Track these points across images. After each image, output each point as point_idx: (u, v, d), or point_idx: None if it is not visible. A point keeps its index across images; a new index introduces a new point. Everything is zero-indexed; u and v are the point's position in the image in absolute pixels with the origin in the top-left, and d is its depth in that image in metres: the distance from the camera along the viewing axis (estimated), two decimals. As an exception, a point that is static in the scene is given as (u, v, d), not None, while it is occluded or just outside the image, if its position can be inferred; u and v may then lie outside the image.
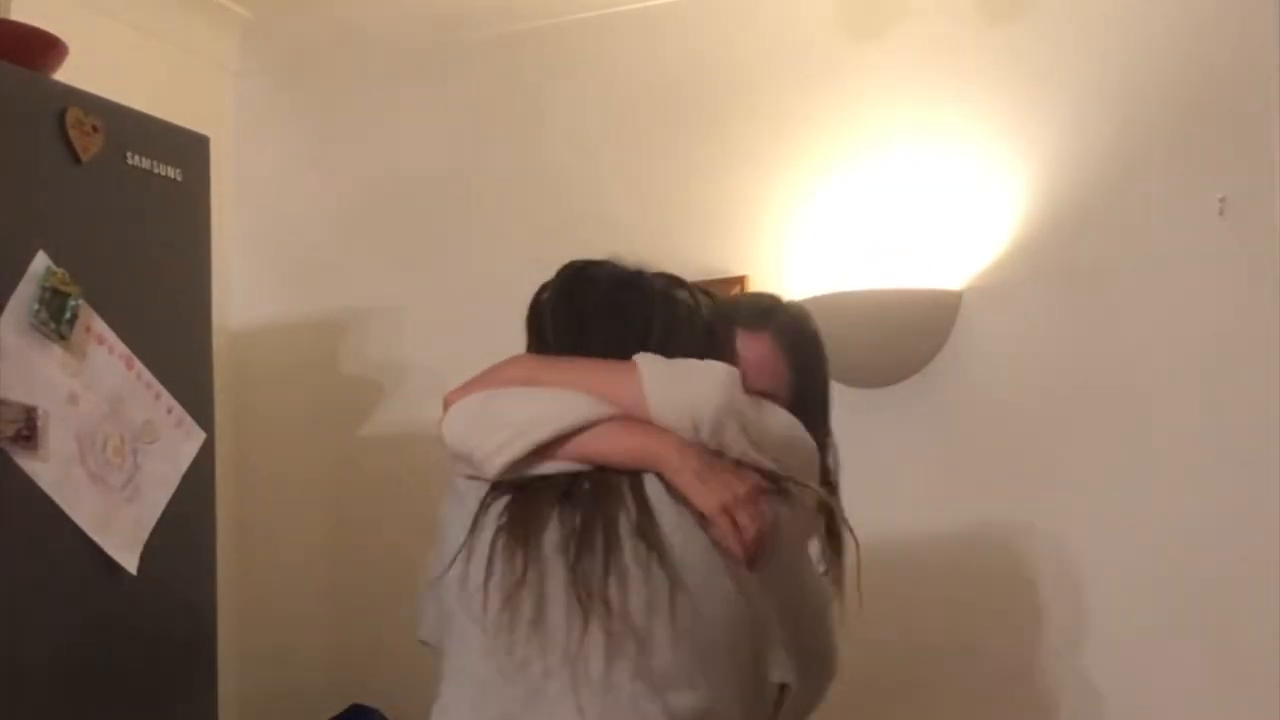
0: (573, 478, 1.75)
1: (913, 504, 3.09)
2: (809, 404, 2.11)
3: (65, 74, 2.77)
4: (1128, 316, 2.96)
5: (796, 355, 2.19)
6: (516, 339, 3.57)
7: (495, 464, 1.77)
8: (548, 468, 1.76)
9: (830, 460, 2.18)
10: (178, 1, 3.60)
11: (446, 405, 1.91)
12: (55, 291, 2.57)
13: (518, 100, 3.58)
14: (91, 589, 2.61)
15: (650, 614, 1.65)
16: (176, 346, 2.84)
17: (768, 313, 2.23)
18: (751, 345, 2.12)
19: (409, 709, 3.45)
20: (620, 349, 1.80)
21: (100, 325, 2.66)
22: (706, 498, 1.71)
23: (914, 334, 3.08)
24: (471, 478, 1.82)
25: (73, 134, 2.64)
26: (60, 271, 2.58)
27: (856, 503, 3.08)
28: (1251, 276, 2.89)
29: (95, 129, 2.69)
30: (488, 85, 3.62)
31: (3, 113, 2.53)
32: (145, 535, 2.71)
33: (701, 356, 1.80)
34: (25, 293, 2.52)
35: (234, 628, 3.51)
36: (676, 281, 1.88)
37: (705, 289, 1.94)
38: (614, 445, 1.76)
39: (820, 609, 1.88)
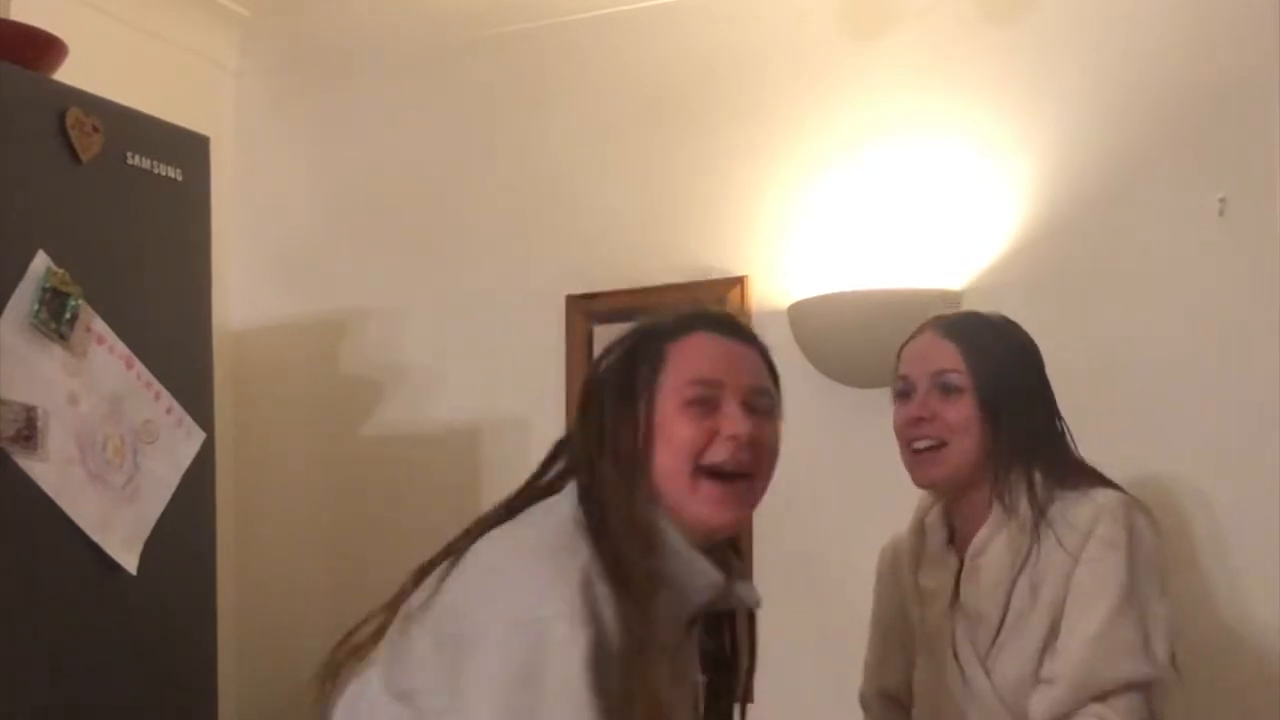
0: None
1: (913, 504, 3.08)
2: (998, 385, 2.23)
3: (65, 74, 2.77)
4: (1127, 316, 2.96)
5: (963, 336, 2.27)
6: (515, 339, 3.60)
7: None
8: None
9: None
10: (178, 1, 3.60)
11: None
12: (55, 291, 2.57)
13: (517, 100, 3.58)
14: (91, 589, 2.61)
15: None
16: (176, 346, 2.84)
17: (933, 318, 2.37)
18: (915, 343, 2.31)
19: (409, 709, 3.45)
20: None
21: (100, 325, 2.66)
22: None
23: (914, 334, 3.09)
24: None
25: (73, 134, 2.65)
26: (60, 271, 2.58)
27: (858, 503, 3.10)
28: (1251, 276, 2.89)
29: (95, 129, 2.69)
30: (487, 85, 3.62)
31: (3, 113, 2.54)
32: (145, 535, 2.72)
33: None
34: (25, 293, 2.52)
35: (234, 627, 3.52)
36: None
37: None
38: None
39: None
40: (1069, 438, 2.28)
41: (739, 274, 3.30)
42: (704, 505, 1.70)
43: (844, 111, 3.24)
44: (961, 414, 2.22)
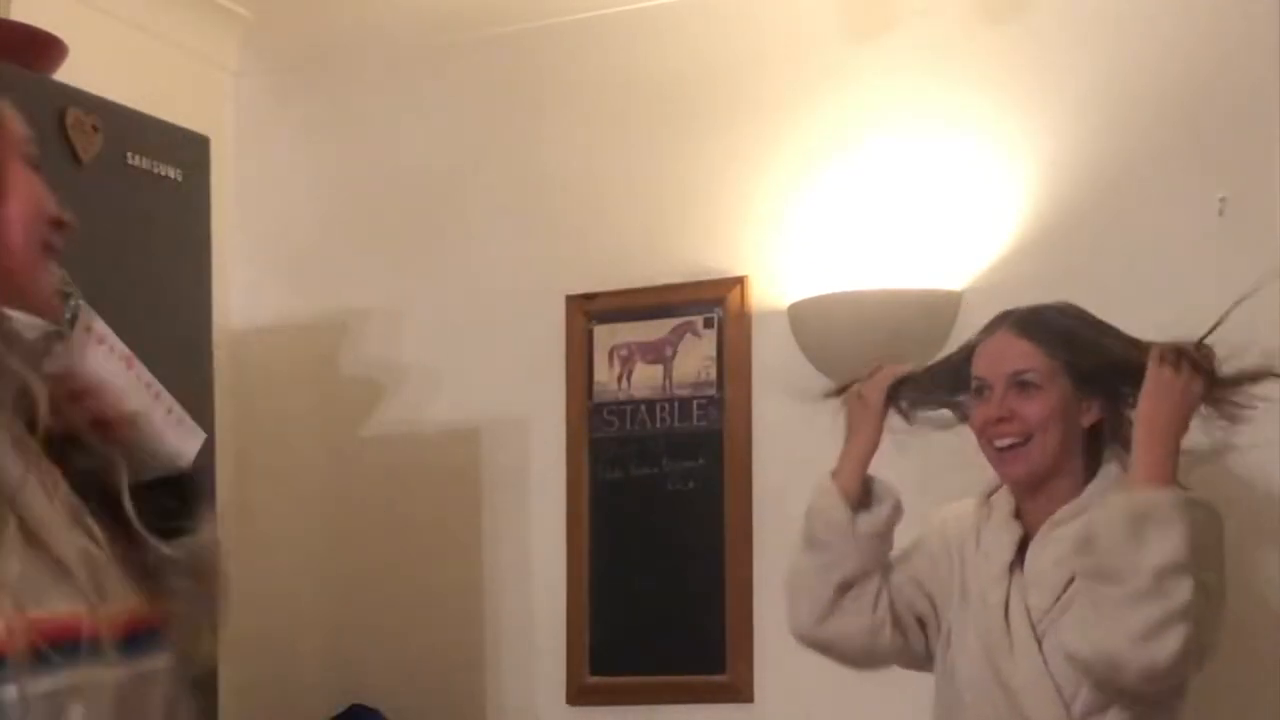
0: None
1: (913, 504, 3.08)
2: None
3: (65, 74, 2.77)
4: (1127, 317, 2.95)
5: (1038, 333, 2.34)
6: (515, 339, 3.59)
7: None
8: None
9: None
10: (178, 1, 3.60)
11: None
12: (55, 292, 2.57)
13: (517, 100, 3.58)
14: (91, 589, 2.60)
15: None
16: (176, 346, 2.83)
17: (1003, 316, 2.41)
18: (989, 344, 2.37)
19: (409, 709, 3.45)
20: None
21: (100, 325, 2.65)
22: None
23: (914, 334, 3.08)
24: None
25: (73, 134, 2.64)
26: (60, 272, 2.58)
27: (856, 503, 3.09)
28: (1251, 276, 2.88)
29: (95, 129, 2.69)
30: (487, 85, 3.62)
31: (3, 113, 2.53)
32: (145, 535, 2.71)
33: None
34: (25, 293, 2.52)
35: (233, 627, 3.51)
36: None
37: None
38: None
39: None
40: None
41: (738, 274, 3.30)
42: None
43: (844, 111, 3.24)
44: (1042, 411, 2.28)
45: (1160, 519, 2.11)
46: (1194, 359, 2.25)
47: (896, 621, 2.43)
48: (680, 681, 3.27)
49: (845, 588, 2.42)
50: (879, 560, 2.44)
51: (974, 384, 2.36)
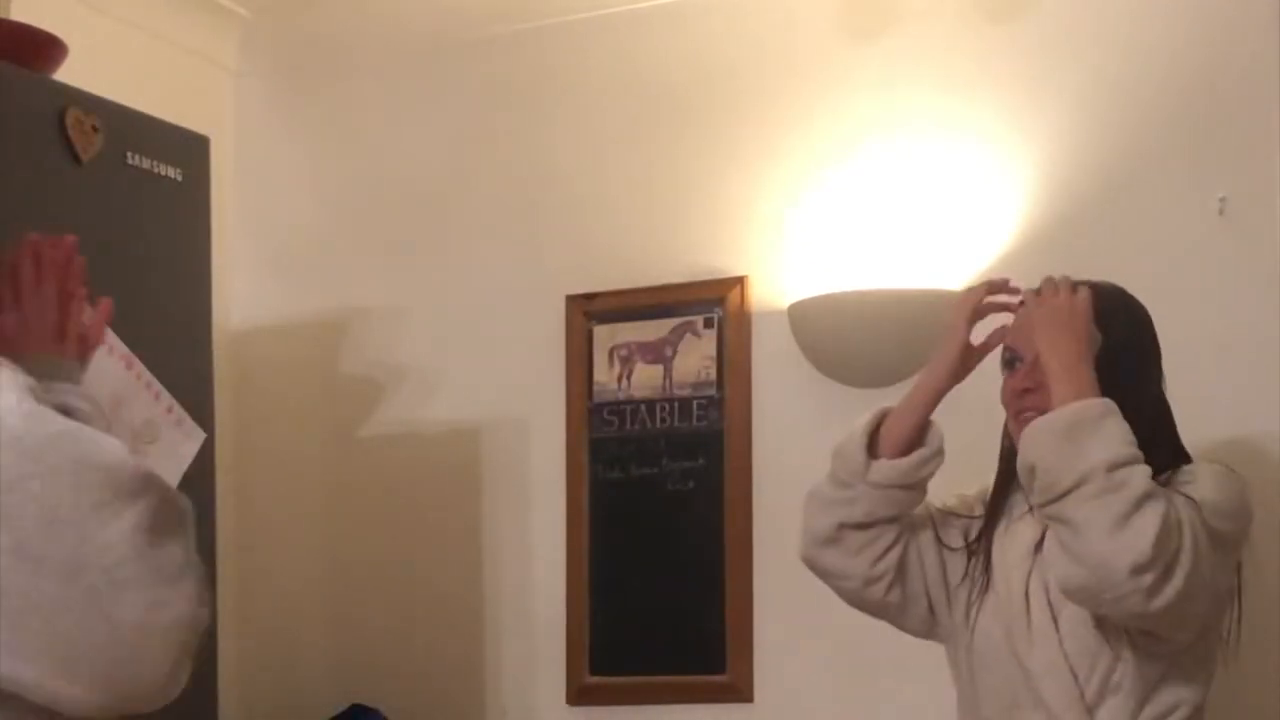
0: None
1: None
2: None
3: (65, 74, 2.77)
4: (1128, 316, 2.96)
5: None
6: (515, 339, 3.59)
7: None
8: None
9: None
10: (178, 1, 3.60)
11: None
12: (55, 291, 2.57)
13: (517, 100, 3.58)
14: (91, 589, 2.60)
15: None
16: (176, 346, 2.84)
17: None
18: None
19: (409, 709, 3.45)
20: None
21: (100, 325, 2.66)
22: None
23: (914, 334, 3.08)
24: None
25: (73, 134, 2.64)
26: (60, 271, 2.58)
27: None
28: (1251, 276, 2.89)
29: (95, 129, 2.69)
30: (487, 85, 3.62)
31: (3, 113, 2.53)
32: (145, 535, 2.71)
33: None
34: (25, 293, 2.52)
35: (234, 627, 3.52)
36: None
37: None
38: None
39: None
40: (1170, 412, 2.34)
41: (739, 274, 3.30)
42: None
43: (844, 111, 3.24)
44: None
45: (1089, 422, 2.08)
46: (1070, 281, 2.25)
47: (901, 582, 2.37)
48: (680, 681, 3.27)
49: (850, 528, 2.36)
50: (896, 511, 2.37)
51: (1005, 355, 2.35)
